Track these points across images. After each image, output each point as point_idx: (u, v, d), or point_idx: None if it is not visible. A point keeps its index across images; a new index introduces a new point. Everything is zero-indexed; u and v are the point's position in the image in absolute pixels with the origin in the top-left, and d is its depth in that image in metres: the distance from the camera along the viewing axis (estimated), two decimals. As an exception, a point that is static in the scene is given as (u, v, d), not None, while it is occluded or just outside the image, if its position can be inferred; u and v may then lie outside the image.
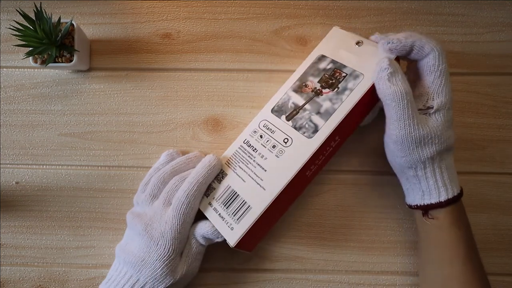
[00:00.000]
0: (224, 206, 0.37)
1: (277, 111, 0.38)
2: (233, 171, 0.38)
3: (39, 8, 0.38)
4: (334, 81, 0.37)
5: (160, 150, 0.44)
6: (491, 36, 0.44)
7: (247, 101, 0.44)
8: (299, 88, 0.38)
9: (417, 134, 0.34)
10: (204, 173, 0.37)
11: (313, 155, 0.35)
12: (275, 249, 0.43)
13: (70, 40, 0.41)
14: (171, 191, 0.38)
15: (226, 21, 0.45)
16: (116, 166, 0.44)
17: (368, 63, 0.36)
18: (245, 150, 0.38)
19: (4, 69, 0.45)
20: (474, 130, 0.43)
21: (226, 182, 0.38)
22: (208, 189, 0.38)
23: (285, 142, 0.36)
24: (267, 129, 0.38)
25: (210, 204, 0.38)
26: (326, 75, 0.37)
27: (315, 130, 0.36)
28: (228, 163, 0.39)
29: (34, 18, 0.38)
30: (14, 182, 0.44)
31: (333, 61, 0.38)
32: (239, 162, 0.38)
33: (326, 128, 0.35)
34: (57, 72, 0.45)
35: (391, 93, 0.34)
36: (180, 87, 0.44)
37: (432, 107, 0.35)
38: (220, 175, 0.39)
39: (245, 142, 0.39)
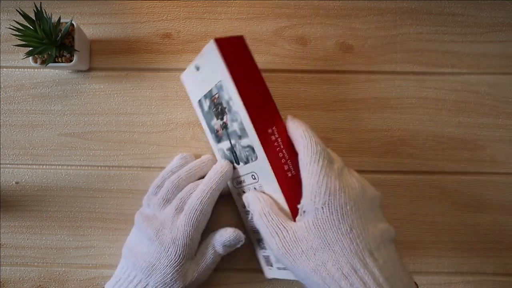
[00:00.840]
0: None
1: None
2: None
3: (39, 8, 0.38)
4: (218, 107, 0.37)
5: (160, 150, 0.44)
6: (491, 36, 0.44)
7: (247, 101, 0.44)
8: (217, 137, 0.39)
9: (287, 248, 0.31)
10: (217, 180, 0.37)
11: (271, 161, 0.34)
12: (275, 249, 0.43)
13: (70, 40, 0.41)
14: (184, 198, 0.38)
15: (226, 21, 0.45)
16: (116, 166, 0.44)
17: (215, 68, 0.35)
18: (245, 211, 0.40)
19: (4, 69, 0.45)
20: (474, 130, 0.43)
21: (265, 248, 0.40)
22: (266, 261, 0.40)
23: (254, 178, 0.37)
24: (240, 182, 0.39)
25: (271, 268, 0.39)
26: (213, 110, 0.38)
27: (252, 148, 0.35)
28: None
29: (34, 18, 0.38)
30: (14, 182, 0.44)
31: (204, 97, 0.38)
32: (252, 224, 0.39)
33: (252, 136, 0.34)
34: (57, 72, 0.45)
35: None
36: (180, 87, 0.44)
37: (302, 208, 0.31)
38: (258, 244, 0.40)
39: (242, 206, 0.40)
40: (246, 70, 0.35)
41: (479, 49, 0.44)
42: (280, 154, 0.35)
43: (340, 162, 0.33)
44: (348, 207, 0.29)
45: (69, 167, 0.44)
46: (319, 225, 0.30)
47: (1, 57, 0.45)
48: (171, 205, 0.38)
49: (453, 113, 0.43)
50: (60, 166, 0.44)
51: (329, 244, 0.29)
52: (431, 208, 0.43)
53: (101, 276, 0.43)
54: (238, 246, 0.38)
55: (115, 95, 0.44)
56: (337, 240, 0.29)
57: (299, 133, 0.33)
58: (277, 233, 0.32)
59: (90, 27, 0.45)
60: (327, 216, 0.29)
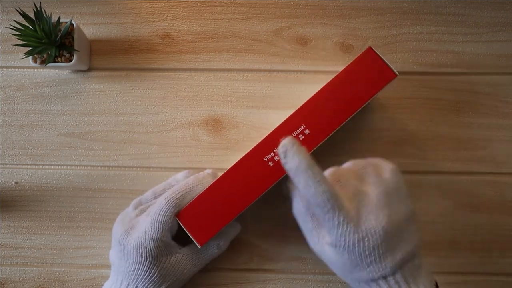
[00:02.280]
0: None
1: None
2: None
3: (38, 8, 0.38)
4: None
5: (160, 150, 0.44)
6: (491, 36, 0.44)
7: (247, 101, 0.44)
8: None
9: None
10: (191, 185, 0.37)
11: (266, 138, 0.36)
12: (275, 249, 0.43)
13: (69, 40, 0.41)
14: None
15: (226, 21, 0.45)
16: (115, 166, 0.44)
17: None
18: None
19: (4, 69, 0.45)
20: (474, 130, 0.43)
21: None
22: None
23: None
24: None
25: None
26: None
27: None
28: None
29: (33, 18, 0.38)
30: (13, 182, 0.44)
31: None
32: None
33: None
34: (57, 72, 0.45)
35: None
36: (180, 87, 0.44)
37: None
38: None
39: None
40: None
41: (479, 49, 0.44)
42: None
43: (353, 199, 0.33)
44: (367, 253, 0.31)
45: (69, 167, 0.44)
46: (338, 258, 0.32)
47: (1, 57, 0.45)
48: (146, 211, 0.38)
49: (453, 113, 0.43)
50: (59, 166, 0.44)
51: (347, 269, 0.32)
52: (431, 208, 0.43)
53: (101, 276, 0.43)
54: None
55: (115, 95, 0.44)
56: (354, 270, 0.32)
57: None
58: (308, 232, 0.35)
59: (90, 27, 0.45)
60: (346, 258, 0.31)
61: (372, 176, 0.34)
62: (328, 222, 0.31)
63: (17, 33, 0.38)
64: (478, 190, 0.43)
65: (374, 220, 0.31)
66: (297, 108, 0.37)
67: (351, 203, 0.32)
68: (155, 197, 0.40)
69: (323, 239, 0.33)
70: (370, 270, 0.31)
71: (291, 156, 0.31)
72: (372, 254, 0.31)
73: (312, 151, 0.37)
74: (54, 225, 0.44)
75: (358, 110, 0.37)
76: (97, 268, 0.43)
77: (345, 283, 0.42)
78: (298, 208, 0.35)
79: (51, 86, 0.45)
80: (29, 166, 0.44)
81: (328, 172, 0.34)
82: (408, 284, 0.31)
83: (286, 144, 0.31)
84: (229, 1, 0.45)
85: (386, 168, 0.35)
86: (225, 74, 0.44)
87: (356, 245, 0.31)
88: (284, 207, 0.43)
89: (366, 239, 0.31)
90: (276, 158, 0.36)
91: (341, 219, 0.31)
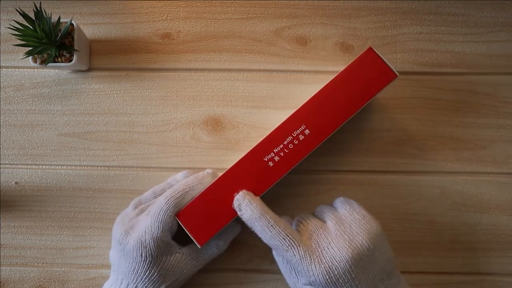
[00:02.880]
0: None
1: None
2: None
3: (38, 8, 0.38)
4: None
5: (160, 150, 0.44)
6: (492, 36, 0.44)
7: (247, 101, 0.44)
8: None
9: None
10: (191, 184, 0.37)
11: (266, 138, 0.36)
12: (275, 249, 0.43)
13: (69, 40, 0.41)
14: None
15: (226, 21, 0.45)
16: (115, 166, 0.44)
17: None
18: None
19: (4, 69, 0.45)
20: (474, 130, 0.43)
21: None
22: None
23: None
24: None
25: None
26: None
27: None
28: None
29: (33, 18, 0.38)
30: (13, 182, 0.44)
31: None
32: None
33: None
34: (57, 72, 0.45)
35: None
36: (180, 87, 0.44)
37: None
38: None
39: None
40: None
41: (479, 49, 0.44)
42: (280, 145, 0.37)
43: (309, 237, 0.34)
44: (340, 281, 0.32)
45: (69, 167, 0.44)
46: None
47: (1, 57, 0.45)
48: (146, 211, 0.38)
49: (453, 113, 0.43)
50: (59, 166, 0.44)
51: None
52: (431, 208, 0.43)
53: (101, 276, 0.43)
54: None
55: (115, 95, 0.44)
56: None
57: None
58: (287, 273, 0.36)
59: (90, 27, 0.45)
60: None
61: (326, 212, 0.37)
62: (292, 260, 0.33)
63: (17, 33, 0.38)
64: (478, 190, 0.43)
65: (336, 248, 0.33)
66: (297, 108, 0.37)
67: (310, 239, 0.34)
68: (155, 197, 0.40)
69: (300, 281, 0.34)
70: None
71: (245, 208, 0.34)
72: (346, 281, 0.32)
73: (312, 151, 0.37)
74: (54, 225, 0.44)
75: (358, 110, 0.37)
76: (97, 268, 0.43)
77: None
78: (276, 254, 0.37)
79: (51, 86, 0.45)
80: (29, 166, 0.44)
81: (287, 218, 0.38)
82: None
83: (238, 198, 0.35)
84: (229, 1, 0.45)
85: (336, 200, 0.38)
86: (225, 74, 0.44)
87: (327, 276, 0.32)
88: (284, 207, 0.43)
89: (333, 267, 0.32)
90: (276, 158, 0.36)
91: (301, 253, 0.33)
